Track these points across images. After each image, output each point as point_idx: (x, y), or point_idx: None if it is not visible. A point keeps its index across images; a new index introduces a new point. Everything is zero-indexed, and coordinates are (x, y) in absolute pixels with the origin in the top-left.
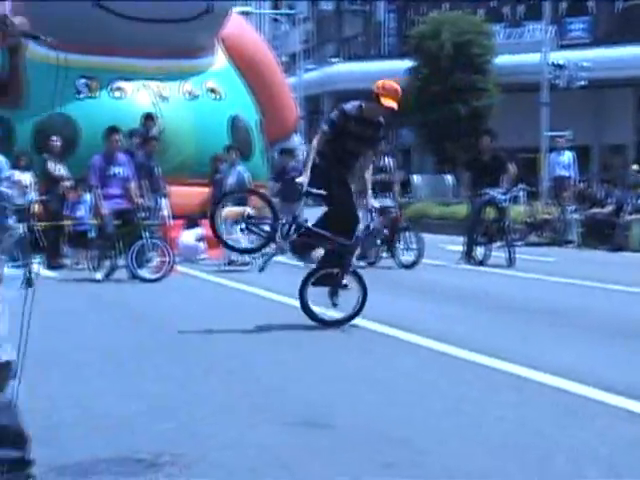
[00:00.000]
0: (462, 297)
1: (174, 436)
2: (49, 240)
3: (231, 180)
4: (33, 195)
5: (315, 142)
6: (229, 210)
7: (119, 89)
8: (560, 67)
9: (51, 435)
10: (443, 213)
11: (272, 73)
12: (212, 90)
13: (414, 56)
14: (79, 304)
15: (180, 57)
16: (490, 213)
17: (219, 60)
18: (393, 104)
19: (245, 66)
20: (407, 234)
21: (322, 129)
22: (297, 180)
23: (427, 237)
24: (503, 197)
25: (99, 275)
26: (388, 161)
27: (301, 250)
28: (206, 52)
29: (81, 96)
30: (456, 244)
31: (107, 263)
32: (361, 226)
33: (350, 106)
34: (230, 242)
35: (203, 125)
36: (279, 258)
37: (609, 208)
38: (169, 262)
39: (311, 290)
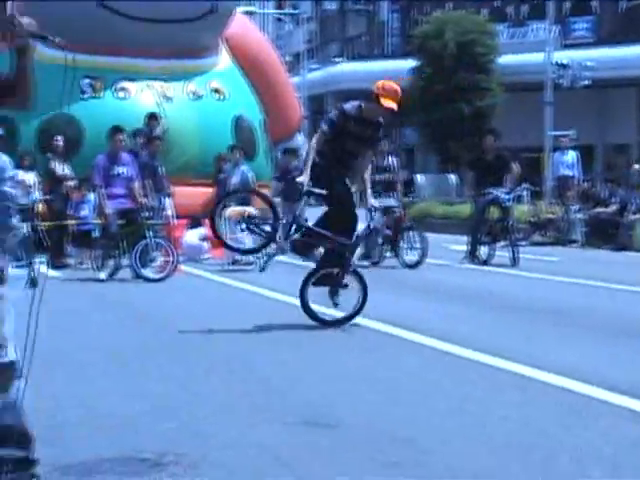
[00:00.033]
0: (466, 297)
1: (177, 436)
2: (53, 240)
3: (235, 180)
4: (37, 195)
5: (314, 141)
6: (232, 210)
7: (123, 89)
8: (564, 67)
9: (55, 435)
10: (447, 212)
11: (276, 73)
12: (216, 90)
13: (417, 56)
14: (83, 304)
15: (184, 57)
16: (494, 213)
17: (223, 60)
18: (393, 105)
19: (249, 66)
20: (411, 234)
21: (321, 129)
22: (297, 180)
23: (431, 237)
24: (507, 197)
25: (103, 275)
26: (392, 160)
27: (302, 250)
28: (210, 52)
29: (85, 96)
30: (460, 243)
31: (111, 263)
32: (362, 225)
33: (350, 106)
34: (231, 243)
35: (207, 125)
36: (283, 258)
37: (613, 207)
38: (173, 262)
39: (312, 290)
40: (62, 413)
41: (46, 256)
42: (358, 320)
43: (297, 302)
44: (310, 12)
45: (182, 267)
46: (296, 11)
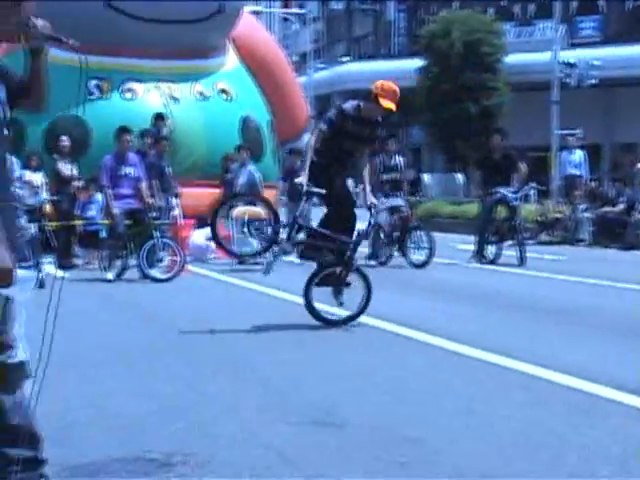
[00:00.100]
0: (473, 296)
1: (185, 436)
2: (60, 240)
3: (242, 180)
4: (44, 195)
5: (313, 141)
6: (239, 210)
7: (130, 90)
8: (571, 66)
9: (64, 435)
10: (454, 212)
11: (283, 72)
12: (223, 91)
13: (424, 55)
14: (90, 304)
15: (191, 58)
16: (501, 212)
17: (230, 61)
18: (391, 105)
19: (256, 66)
20: (418, 233)
21: (320, 128)
22: (296, 180)
23: (438, 236)
24: (514, 196)
25: (110, 275)
26: (398, 160)
27: (309, 253)
28: (217, 52)
29: (92, 97)
30: (467, 243)
31: (118, 263)
32: (360, 225)
33: (348, 105)
34: (238, 245)
35: (214, 126)
36: (290, 258)
37: (620, 207)
38: (180, 262)
39: (316, 289)
40: (71, 413)
41: (53, 256)
42: (365, 319)
43: (323, 307)
44: (317, 12)
45: (189, 267)
46: (303, 11)
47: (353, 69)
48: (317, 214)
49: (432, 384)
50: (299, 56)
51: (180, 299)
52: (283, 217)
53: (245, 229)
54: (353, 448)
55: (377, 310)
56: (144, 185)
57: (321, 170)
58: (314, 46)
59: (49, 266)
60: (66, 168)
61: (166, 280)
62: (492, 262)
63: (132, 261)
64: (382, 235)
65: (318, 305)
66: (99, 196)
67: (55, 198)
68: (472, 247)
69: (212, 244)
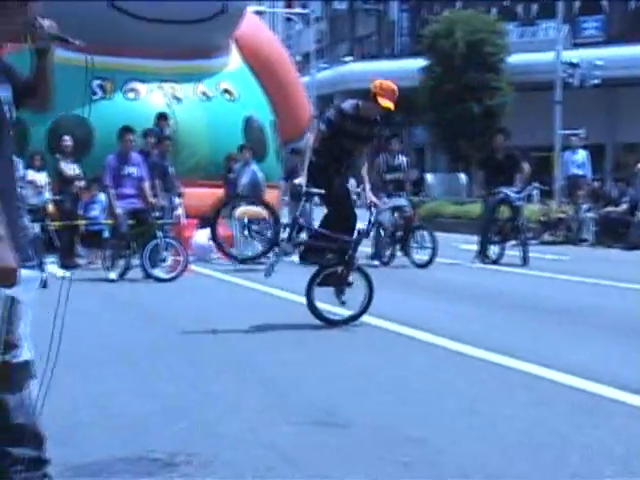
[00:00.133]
0: (476, 296)
1: (188, 436)
2: (63, 240)
3: (244, 180)
4: (47, 195)
5: (311, 141)
6: (242, 210)
7: (133, 90)
8: (573, 66)
9: (68, 434)
10: (457, 212)
11: (286, 72)
12: (226, 91)
13: (427, 55)
14: (93, 304)
15: (194, 58)
16: (504, 212)
17: (234, 60)
18: (390, 104)
19: (260, 65)
20: (421, 233)
21: (319, 128)
22: (295, 182)
23: (441, 236)
24: (517, 196)
25: (113, 275)
26: (402, 160)
27: (310, 257)
28: (221, 53)
29: (95, 97)
30: (470, 243)
31: (121, 263)
32: (362, 224)
33: (347, 105)
34: (232, 250)
35: (217, 126)
36: (293, 258)
37: (623, 207)
38: (183, 262)
39: (318, 289)
40: (74, 413)
41: (56, 256)
42: (368, 319)
43: (325, 307)
44: (320, 12)
45: (192, 267)
46: (306, 11)
47: (356, 69)
48: (319, 214)
49: (435, 384)
50: (302, 56)
51: (183, 299)
52: (286, 217)
53: (246, 231)
54: (356, 448)
55: (380, 310)
56: (147, 185)
57: (320, 170)
58: (317, 46)
59: (52, 266)
60: (69, 168)
61: (169, 280)
62: (495, 262)
63: (135, 261)
64: (385, 235)
65: (321, 305)
66: (102, 196)
67: (58, 198)
68: (475, 247)
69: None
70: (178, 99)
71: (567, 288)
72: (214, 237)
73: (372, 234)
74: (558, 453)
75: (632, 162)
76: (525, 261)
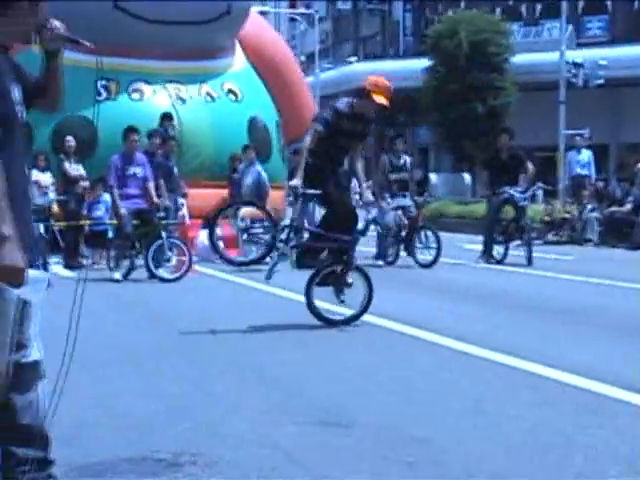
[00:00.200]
0: (480, 296)
1: (192, 436)
2: (67, 240)
3: (248, 180)
4: (52, 195)
5: (308, 142)
6: (246, 210)
7: (137, 91)
8: (577, 66)
9: (72, 435)
10: (461, 212)
11: (291, 72)
12: (231, 91)
13: (431, 55)
14: (98, 304)
15: (199, 59)
16: (508, 212)
17: (238, 61)
18: (385, 101)
19: (264, 65)
20: (425, 233)
21: (315, 129)
22: (291, 183)
23: (445, 236)
24: (521, 196)
25: (118, 275)
26: (406, 160)
27: (308, 259)
28: (225, 53)
29: (100, 98)
30: (474, 243)
31: (126, 263)
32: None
33: (342, 104)
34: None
35: (222, 127)
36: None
37: (628, 206)
38: (187, 262)
39: (317, 289)
40: (79, 413)
41: (61, 257)
42: (373, 319)
43: (324, 305)
44: (324, 12)
45: (196, 267)
46: (310, 11)
47: (360, 69)
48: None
49: (439, 384)
50: (306, 56)
51: (187, 299)
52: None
53: (245, 235)
54: (360, 448)
55: (384, 309)
56: (151, 185)
57: (316, 171)
58: (321, 46)
59: (56, 266)
60: (72, 168)
61: (173, 280)
62: (499, 262)
63: (139, 261)
64: (389, 235)
65: (322, 304)
66: (106, 196)
67: (62, 198)
68: (479, 247)
69: (220, 244)
70: (183, 100)
71: (571, 288)
72: (212, 240)
73: (376, 234)
74: (563, 453)
75: (633, 162)
76: (529, 261)
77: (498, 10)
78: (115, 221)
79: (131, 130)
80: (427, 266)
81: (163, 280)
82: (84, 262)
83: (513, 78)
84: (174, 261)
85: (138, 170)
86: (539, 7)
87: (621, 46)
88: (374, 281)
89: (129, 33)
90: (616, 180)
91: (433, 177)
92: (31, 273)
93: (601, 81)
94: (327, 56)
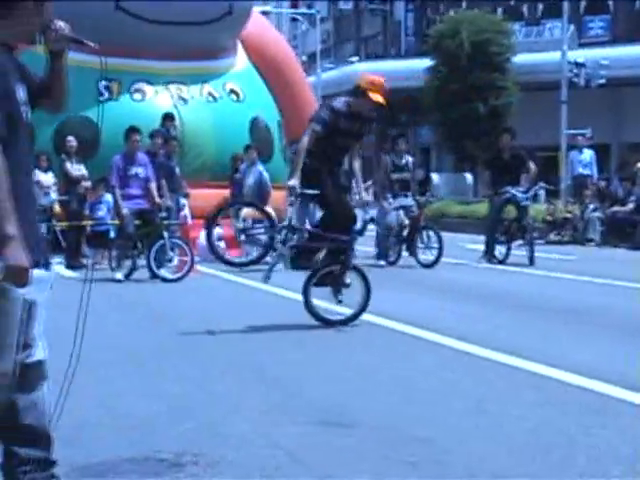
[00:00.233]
0: (482, 296)
1: (194, 436)
2: (69, 240)
3: (250, 180)
4: (54, 196)
5: (306, 142)
6: (246, 211)
7: (139, 91)
8: (579, 65)
9: (74, 435)
10: (463, 212)
11: (293, 71)
12: (233, 92)
13: (433, 55)
14: (100, 304)
15: (201, 59)
16: (510, 212)
17: (240, 61)
18: (381, 99)
19: (266, 65)
20: (427, 233)
21: (313, 129)
22: (288, 184)
23: (447, 236)
24: (523, 196)
25: (120, 275)
26: (408, 159)
27: (303, 260)
28: (227, 53)
29: (102, 99)
30: (476, 243)
31: (128, 263)
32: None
33: (338, 103)
34: (226, 256)
35: (223, 127)
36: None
37: (630, 206)
38: (189, 262)
39: (314, 289)
40: (81, 413)
41: (62, 257)
42: (374, 319)
43: (315, 302)
44: (325, 12)
45: (198, 267)
46: (311, 11)
47: (362, 69)
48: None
49: (441, 384)
50: (308, 56)
51: (189, 299)
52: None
53: (242, 236)
54: (362, 448)
55: (386, 309)
56: (153, 185)
57: (313, 171)
58: (323, 46)
59: (58, 266)
60: (74, 169)
61: (175, 280)
62: (501, 262)
63: (141, 261)
64: (391, 235)
65: (321, 303)
66: (108, 196)
67: (64, 198)
68: (481, 247)
69: (221, 244)
70: (184, 100)
71: (573, 288)
72: (209, 241)
73: (375, 233)
74: (565, 453)
75: (633, 162)
76: (531, 261)
77: (500, 10)
78: (117, 221)
79: (133, 130)
80: (429, 266)
81: (165, 280)
82: (85, 262)
83: (515, 78)
84: (176, 261)
85: (140, 170)
86: (541, 7)
87: (623, 46)
88: (376, 281)
89: (131, 33)
90: (618, 180)
91: (435, 177)
92: (35, 273)
93: (603, 81)
94: (329, 56)
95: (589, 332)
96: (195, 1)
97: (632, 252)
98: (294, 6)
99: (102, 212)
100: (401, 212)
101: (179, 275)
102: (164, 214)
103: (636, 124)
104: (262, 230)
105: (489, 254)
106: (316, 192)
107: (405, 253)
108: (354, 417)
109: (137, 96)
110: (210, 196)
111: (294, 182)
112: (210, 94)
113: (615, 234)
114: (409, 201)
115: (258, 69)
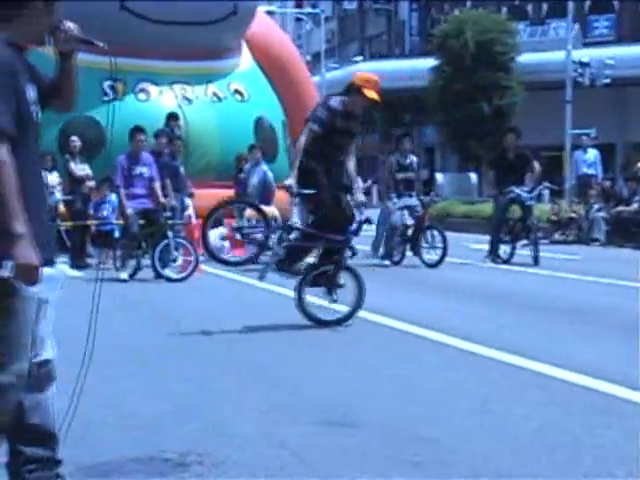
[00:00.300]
0: (487, 296)
1: (199, 436)
2: (74, 240)
3: (254, 180)
4: (58, 195)
5: (303, 142)
6: (250, 211)
7: (144, 91)
8: (584, 65)
9: (79, 435)
10: (467, 211)
11: (297, 71)
12: (237, 92)
13: (437, 55)
14: (104, 304)
15: (206, 59)
16: (515, 211)
17: (244, 61)
18: (375, 95)
19: (271, 65)
20: (432, 233)
21: (311, 128)
22: (285, 183)
23: (451, 236)
24: (528, 195)
25: (124, 275)
26: (412, 159)
27: (291, 261)
28: (232, 53)
29: (107, 98)
30: (481, 242)
31: (132, 263)
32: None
33: (334, 102)
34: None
35: (228, 127)
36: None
37: (634, 206)
38: (194, 262)
39: (308, 289)
40: (86, 413)
41: (67, 256)
42: (379, 319)
43: (318, 301)
44: (330, 12)
45: (203, 267)
46: (316, 10)
47: (366, 69)
48: None
49: (446, 384)
50: (312, 56)
51: (193, 299)
52: (296, 217)
53: (238, 235)
54: (366, 448)
55: (391, 309)
56: (157, 185)
57: (309, 171)
58: (327, 46)
59: (63, 266)
60: (78, 168)
61: (180, 280)
62: (506, 262)
63: (146, 261)
64: (395, 235)
65: (314, 299)
66: (113, 196)
67: (69, 198)
68: (486, 247)
69: (225, 244)
70: (189, 100)
71: (578, 288)
72: (204, 240)
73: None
74: (570, 453)
75: (634, 162)
76: (536, 261)
77: (504, 9)
78: (121, 221)
79: (137, 130)
80: (433, 266)
81: (169, 280)
82: (90, 262)
83: (519, 77)
84: (180, 261)
85: (144, 170)
86: (545, 6)
87: (628, 45)
88: (380, 281)
89: (136, 33)
90: (623, 179)
91: (439, 177)
92: (46, 271)
93: (607, 80)
94: (333, 56)
95: (594, 332)
96: (200, 1)
97: (637, 252)
98: (298, 6)
99: (106, 212)
100: (405, 212)
101: (183, 275)
102: (168, 214)
103: None
104: (257, 229)
105: (493, 254)
106: (313, 192)
107: (409, 253)
108: (358, 417)
109: (142, 96)
110: (214, 196)
111: (291, 181)
112: (214, 94)
113: (620, 234)
114: (413, 201)
115: (263, 69)
